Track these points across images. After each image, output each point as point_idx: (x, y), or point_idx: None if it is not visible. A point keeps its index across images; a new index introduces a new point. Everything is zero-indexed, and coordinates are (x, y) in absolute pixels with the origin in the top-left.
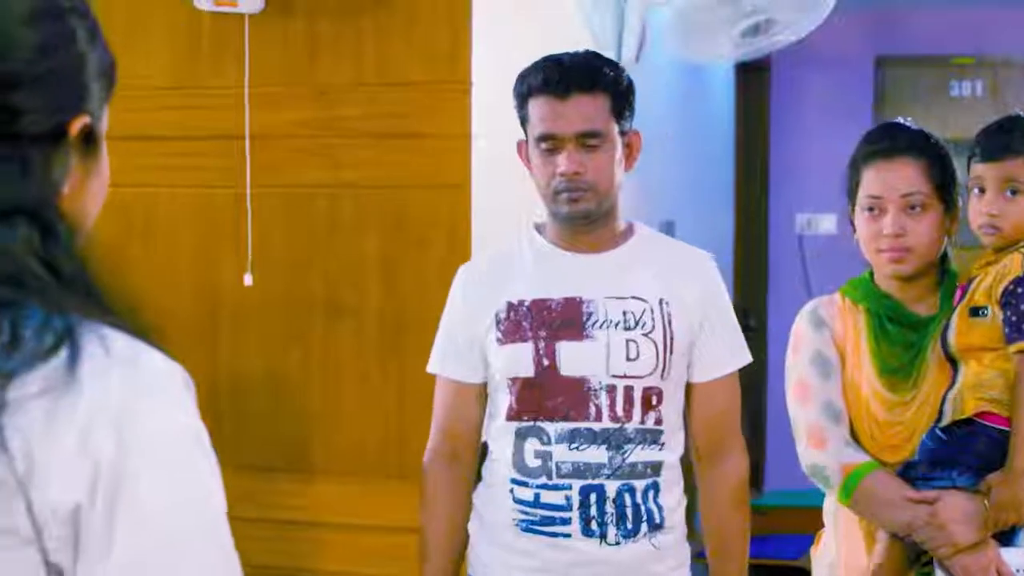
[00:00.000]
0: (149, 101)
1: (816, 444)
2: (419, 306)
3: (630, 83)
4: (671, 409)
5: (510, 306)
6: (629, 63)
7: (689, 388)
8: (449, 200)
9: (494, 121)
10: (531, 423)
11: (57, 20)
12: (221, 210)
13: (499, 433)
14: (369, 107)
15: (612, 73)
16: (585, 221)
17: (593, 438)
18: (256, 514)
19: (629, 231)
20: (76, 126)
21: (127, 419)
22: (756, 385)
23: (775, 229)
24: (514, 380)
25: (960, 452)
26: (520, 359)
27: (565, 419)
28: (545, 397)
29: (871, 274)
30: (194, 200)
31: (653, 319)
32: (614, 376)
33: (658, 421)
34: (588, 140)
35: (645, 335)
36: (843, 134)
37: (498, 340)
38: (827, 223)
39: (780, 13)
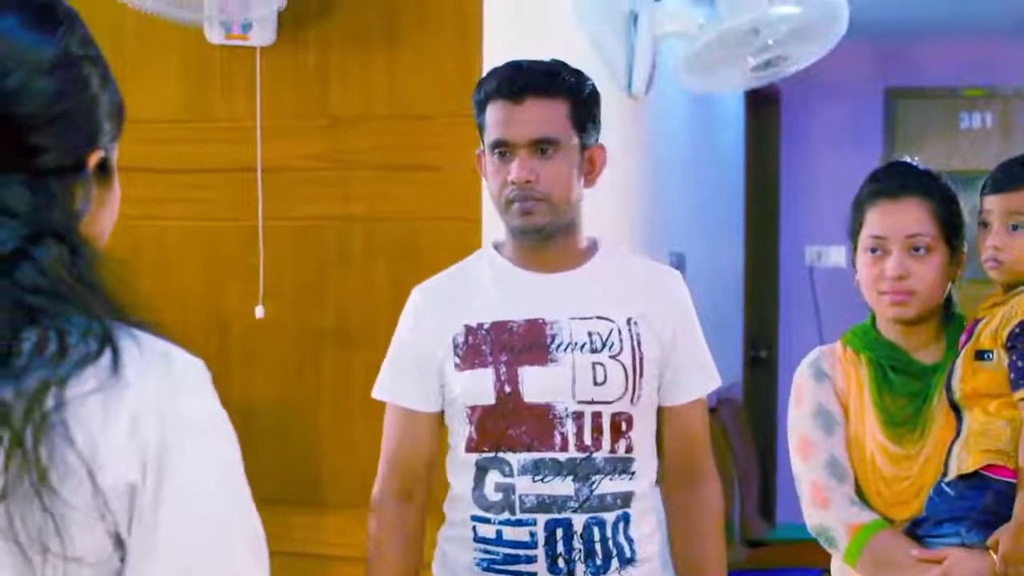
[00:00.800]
0: (160, 134)
1: (820, 503)
2: None
3: (593, 92)
4: (642, 435)
5: (468, 329)
6: (640, 95)
7: (660, 412)
8: (460, 232)
9: None
10: (492, 454)
11: (72, 68)
12: (232, 242)
13: (458, 466)
14: (380, 139)
15: (572, 79)
16: (539, 236)
17: (559, 469)
18: (268, 547)
19: (593, 248)
20: (92, 160)
21: (166, 407)
22: (767, 416)
23: (785, 261)
24: (473, 408)
25: (968, 508)
26: (480, 385)
27: (528, 449)
28: (507, 426)
29: (873, 319)
30: (205, 232)
31: (621, 340)
32: (581, 402)
33: (629, 448)
34: (542, 147)
35: (613, 357)
36: (853, 166)
37: (456, 366)
38: (837, 255)
39: (793, 45)
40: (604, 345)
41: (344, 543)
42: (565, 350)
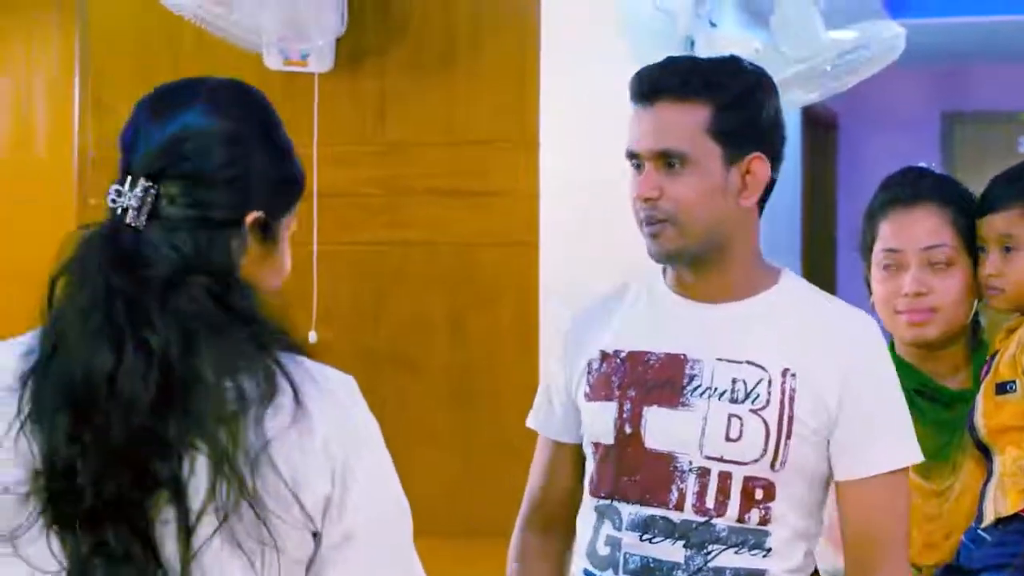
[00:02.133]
0: None
1: (835, 543)
2: (487, 363)
3: (750, 94)
4: (790, 509)
5: (604, 356)
6: None
7: (837, 488)
8: (517, 258)
9: (562, 178)
10: (608, 501)
11: (239, 144)
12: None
13: (584, 510)
14: (437, 165)
15: (718, 79)
16: (675, 263)
17: (670, 530)
18: None
19: (769, 279)
20: (249, 218)
21: (345, 427)
22: None
23: (843, 284)
24: (596, 446)
25: (1010, 555)
26: (602, 421)
27: (640, 502)
28: (622, 471)
29: (892, 345)
30: None
31: (769, 392)
32: (708, 457)
33: (764, 520)
34: (669, 160)
35: (754, 411)
36: None
37: (586, 395)
38: None
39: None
40: (747, 396)
41: None
42: (702, 395)
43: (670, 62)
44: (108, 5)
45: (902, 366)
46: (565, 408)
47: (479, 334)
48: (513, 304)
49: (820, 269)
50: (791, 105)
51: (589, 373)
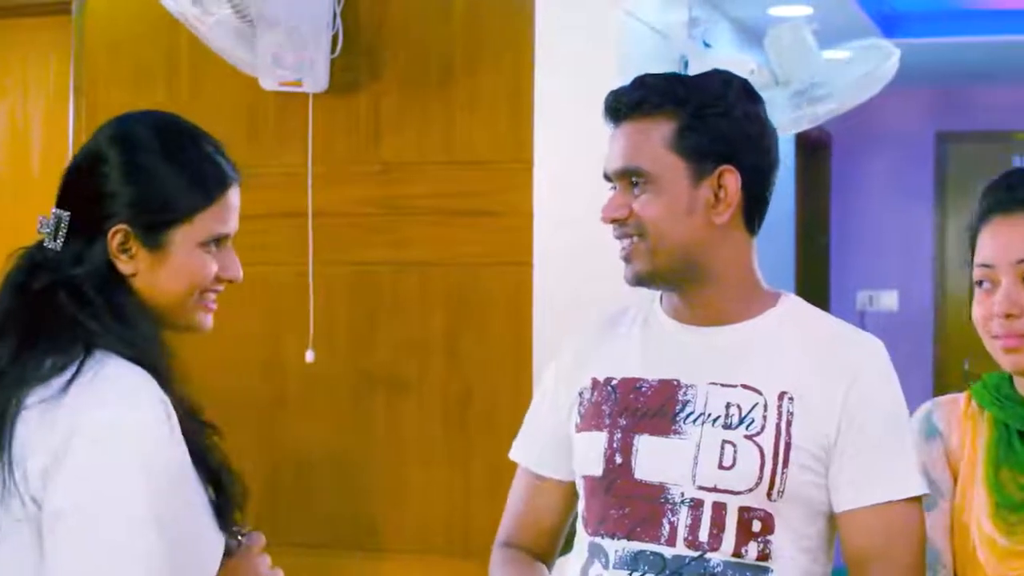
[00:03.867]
0: None
1: None
2: (483, 383)
3: (724, 101)
4: (791, 543)
5: (595, 384)
6: None
7: (836, 522)
8: (512, 278)
9: (557, 199)
10: (595, 538)
11: (101, 165)
12: (284, 287)
13: (576, 548)
14: (432, 185)
15: (687, 91)
16: (654, 285)
17: (660, 567)
18: None
19: (768, 302)
20: (112, 232)
21: (86, 417)
22: None
23: (836, 306)
24: (586, 479)
25: None
26: (591, 451)
27: (629, 537)
28: (610, 505)
29: (1011, 379)
30: (257, 277)
31: (765, 417)
32: (701, 488)
33: (763, 556)
34: (632, 179)
35: (749, 437)
36: (904, 210)
37: (576, 426)
38: (889, 300)
39: (841, 95)
40: (741, 421)
41: None
42: (695, 422)
43: (639, 80)
44: (105, 24)
45: (1013, 401)
46: (551, 439)
47: (474, 354)
48: (508, 324)
49: (813, 287)
50: (788, 131)
51: (581, 404)
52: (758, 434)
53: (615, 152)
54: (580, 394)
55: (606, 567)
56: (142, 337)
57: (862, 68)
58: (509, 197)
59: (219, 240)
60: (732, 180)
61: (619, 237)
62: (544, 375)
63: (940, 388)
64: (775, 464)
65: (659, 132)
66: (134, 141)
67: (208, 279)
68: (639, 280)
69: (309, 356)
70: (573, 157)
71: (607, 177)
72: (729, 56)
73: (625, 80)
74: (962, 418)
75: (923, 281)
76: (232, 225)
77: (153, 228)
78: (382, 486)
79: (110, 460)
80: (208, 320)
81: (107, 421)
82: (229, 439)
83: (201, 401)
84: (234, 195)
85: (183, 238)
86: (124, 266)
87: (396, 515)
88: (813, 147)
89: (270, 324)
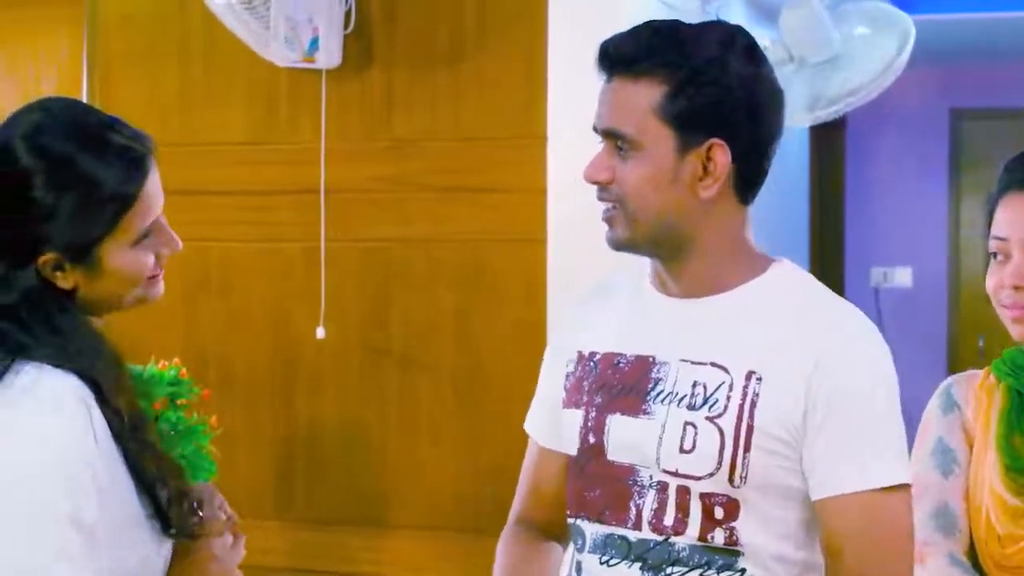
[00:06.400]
0: (227, 156)
1: (918, 559)
2: (494, 360)
3: (720, 66)
4: (760, 530)
5: (580, 358)
6: None
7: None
8: (525, 255)
9: (569, 175)
10: (574, 519)
11: (16, 203)
12: (295, 263)
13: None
14: (445, 161)
15: (681, 52)
16: (634, 252)
17: (627, 551)
18: (331, 568)
19: (756, 270)
20: (41, 261)
21: None
22: None
23: (851, 282)
24: (568, 458)
25: None
26: (569, 430)
27: (600, 520)
28: (584, 486)
29: None
30: (269, 253)
31: (728, 398)
32: (665, 471)
33: (731, 541)
34: (617, 143)
35: (710, 419)
36: (919, 186)
37: (562, 401)
38: (903, 276)
39: (860, 81)
40: (705, 401)
41: (408, 564)
42: (663, 401)
43: (634, 33)
44: (117, 2)
45: None
46: (551, 411)
47: (486, 331)
48: (520, 301)
49: (827, 264)
50: (805, 122)
51: (567, 378)
52: (720, 416)
53: (602, 109)
54: (567, 366)
55: (581, 550)
56: (78, 349)
57: (879, 44)
58: (522, 173)
59: (151, 226)
60: (722, 154)
61: (600, 200)
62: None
63: (954, 364)
64: (735, 448)
65: (647, 96)
66: (53, 152)
67: (148, 271)
68: (618, 246)
69: (320, 333)
70: (587, 132)
71: (595, 130)
72: None
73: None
74: (978, 391)
75: (937, 258)
76: (157, 208)
77: (81, 252)
78: (393, 462)
79: (13, 459)
80: (159, 290)
81: (14, 422)
82: (241, 416)
83: (208, 378)
84: (153, 179)
85: (114, 247)
86: (62, 283)
87: (407, 491)
88: (827, 128)
89: (281, 300)
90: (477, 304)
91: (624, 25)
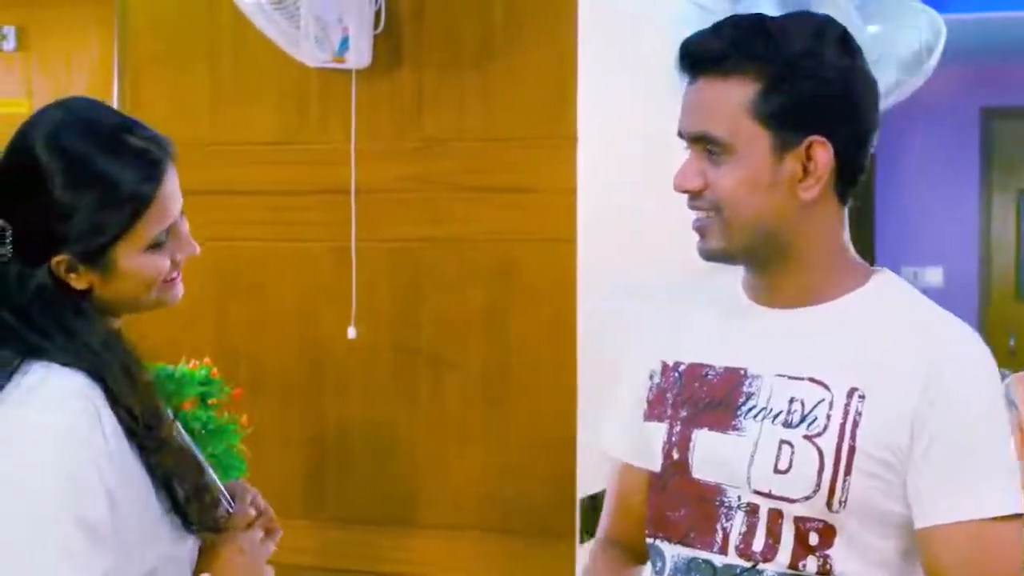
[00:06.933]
0: (256, 156)
1: None
2: (524, 360)
3: (815, 58)
4: (856, 559)
5: (664, 368)
6: None
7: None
8: (555, 254)
9: (600, 175)
10: (654, 540)
11: (33, 201)
12: (326, 263)
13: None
14: (475, 161)
15: (772, 47)
16: (729, 262)
17: None
18: (360, 567)
19: (857, 280)
20: (55, 261)
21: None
22: None
23: None
24: (650, 475)
25: None
26: (651, 444)
27: (683, 542)
28: (666, 505)
29: None
30: (299, 254)
31: (829, 417)
32: (757, 492)
33: (824, 570)
34: (708, 147)
35: (808, 438)
36: (949, 186)
37: (644, 413)
38: (934, 275)
39: (890, 81)
40: (803, 419)
41: (437, 563)
42: (755, 417)
43: (718, 28)
44: (148, 1)
45: None
46: (635, 425)
47: (516, 331)
48: (551, 301)
49: None
50: None
51: (650, 389)
52: (819, 435)
53: (689, 113)
54: (650, 377)
55: (661, 573)
56: (88, 348)
57: (908, 43)
58: (552, 173)
59: (168, 230)
60: (823, 152)
61: (692, 208)
62: (626, 352)
63: None
64: (836, 470)
65: (739, 95)
66: (70, 151)
67: (163, 275)
68: (711, 257)
69: (351, 333)
70: (617, 131)
71: (681, 135)
72: None
73: (670, 56)
74: None
75: (968, 257)
76: (175, 211)
77: (94, 254)
78: (423, 462)
79: (17, 459)
80: (177, 293)
81: (19, 420)
82: (271, 415)
83: (239, 377)
84: (170, 182)
85: (129, 249)
86: (76, 283)
87: (437, 491)
88: None
89: (312, 301)
90: (507, 304)
91: (652, 25)
